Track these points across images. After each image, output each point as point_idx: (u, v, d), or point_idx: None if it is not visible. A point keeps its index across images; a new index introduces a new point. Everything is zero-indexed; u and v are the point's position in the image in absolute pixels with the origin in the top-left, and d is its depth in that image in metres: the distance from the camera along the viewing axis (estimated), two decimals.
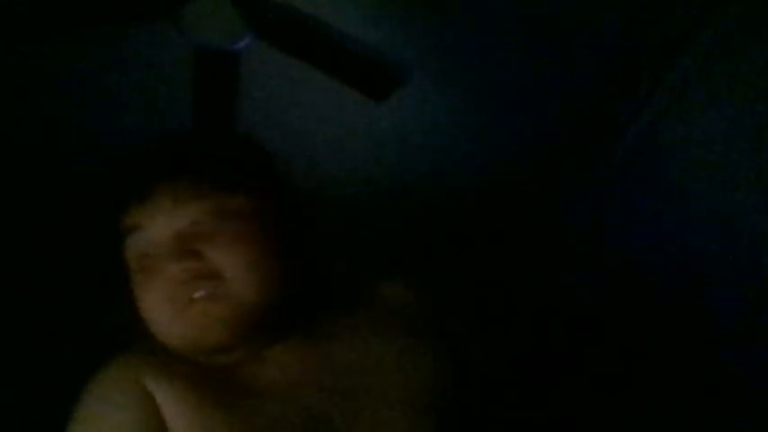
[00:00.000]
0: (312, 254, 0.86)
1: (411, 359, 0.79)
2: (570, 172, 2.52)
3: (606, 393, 2.30)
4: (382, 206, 2.63)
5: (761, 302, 1.75)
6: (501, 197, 2.67)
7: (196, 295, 0.74)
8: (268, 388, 0.76)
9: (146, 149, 0.86)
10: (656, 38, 2.04)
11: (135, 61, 1.95)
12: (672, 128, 2.10)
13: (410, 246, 2.71)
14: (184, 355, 0.77)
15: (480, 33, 1.98)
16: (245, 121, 2.07)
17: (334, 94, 2.06)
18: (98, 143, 2.13)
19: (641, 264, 2.25)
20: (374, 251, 2.55)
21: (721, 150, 1.94)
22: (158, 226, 0.77)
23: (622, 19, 1.97)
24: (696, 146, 2.02)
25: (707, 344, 1.94)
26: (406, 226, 2.72)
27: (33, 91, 2.05)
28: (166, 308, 0.75)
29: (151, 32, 1.76)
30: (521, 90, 2.19)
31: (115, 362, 0.80)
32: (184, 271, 0.74)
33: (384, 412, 0.74)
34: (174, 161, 0.82)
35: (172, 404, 0.74)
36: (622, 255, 2.34)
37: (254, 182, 0.83)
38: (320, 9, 1.70)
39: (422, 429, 0.75)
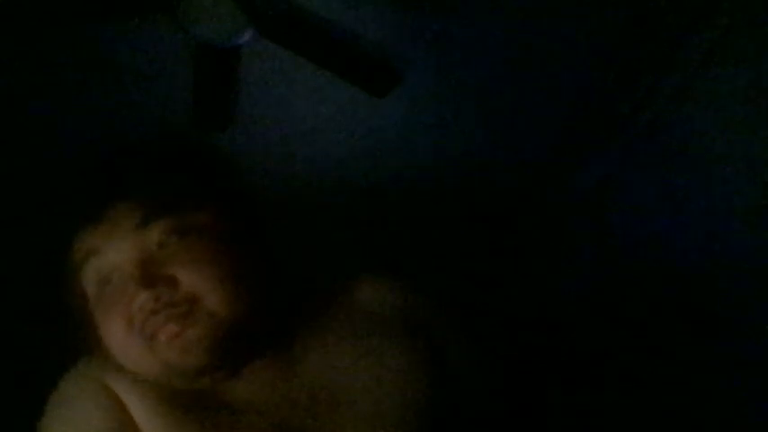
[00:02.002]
0: (279, 264, 0.82)
1: (390, 364, 0.77)
2: (571, 170, 2.53)
3: (607, 394, 2.30)
4: (382, 206, 2.63)
5: (763, 300, 1.75)
6: (501, 197, 2.67)
7: (170, 320, 0.70)
8: (241, 403, 0.74)
9: (100, 164, 0.80)
10: (657, 38, 2.04)
11: (134, 56, 1.95)
12: (672, 127, 2.10)
13: (408, 245, 2.71)
14: (158, 379, 0.74)
15: (481, 32, 1.98)
16: (245, 118, 2.07)
17: (335, 92, 2.07)
18: (96, 140, 2.12)
19: (642, 262, 2.24)
20: (372, 251, 2.55)
21: (721, 149, 1.94)
22: (120, 250, 0.72)
23: (623, 18, 1.97)
24: (696, 145, 2.02)
25: (710, 342, 1.94)
26: (405, 225, 2.72)
27: (32, 87, 2.05)
28: (135, 336, 0.71)
29: (151, 27, 1.76)
30: (521, 89, 2.19)
31: (81, 364, 0.77)
32: (155, 299, 0.70)
33: (361, 422, 0.73)
34: (132, 177, 0.77)
35: (140, 412, 0.72)
36: (624, 253, 2.34)
37: (216, 195, 0.80)
38: (319, 5, 1.70)
39: None
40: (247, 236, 0.79)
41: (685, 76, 2.02)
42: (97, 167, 0.80)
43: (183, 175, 0.79)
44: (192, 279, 0.71)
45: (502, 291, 2.77)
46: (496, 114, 2.29)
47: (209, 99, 1.77)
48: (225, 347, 0.71)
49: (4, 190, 2.21)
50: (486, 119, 2.31)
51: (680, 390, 2.02)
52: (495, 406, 0.86)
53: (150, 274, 0.71)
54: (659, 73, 2.08)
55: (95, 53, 1.94)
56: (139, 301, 0.70)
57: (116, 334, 0.72)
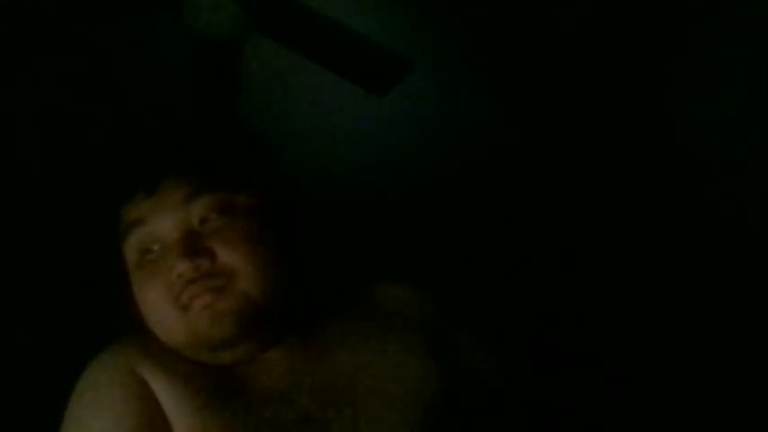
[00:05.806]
0: (312, 252, 0.86)
1: (408, 363, 0.79)
2: (570, 171, 2.53)
3: (606, 394, 2.29)
4: (382, 206, 2.63)
5: (762, 301, 1.76)
6: (501, 197, 2.67)
7: (205, 290, 0.74)
8: (263, 390, 0.76)
9: (151, 139, 0.85)
10: (656, 37, 2.04)
11: (134, 54, 1.95)
12: (672, 126, 2.10)
13: (410, 246, 2.71)
14: (184, 352, 0.77)
15: (481, 32, 1.99)
16: (245, 119, 2.07)
17: (335, 91, 2.07)
18: (96, 138, 2.13)
19: (641, 263, 2.25)
20: (374, 251, 2.54)
21: (721, 149, 1.94)
22: (165, 222, 0.76)
23: (623, 18, 1.98)
24: (696, 144, 2.03)
25: (706, 343, 1.94)
26: (407, 226, 2.71)
27: (31, 85, 2.05)
28: (171, 305, 0.75)
29: (151, 25, 1.77)
30: (521, 89, 2.19)
31: (110, 350, 0.79)
32: (195, 269, 0.74)
33: (380, 417, 0.74)
34: (183, 153, 0.80)
35: (168, 397, 0.74)
36: (622, 254, 2.34)
37: (261, 178, 0.83)
38: (320, 4, 1.71)
39: None
40: (287, 223, 0.82)
41: (686, 76, 2.03)
42: (149, 143, 0.84)
43: (232, 156, 0.82)
44: (230, 256, 0.75)
45: (502, 291, 2.77)
46: (497, 114, 2.29)
47: (210, 97, 1.78)
48: (251, 325, 0.75)
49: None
50: (487, 118, 2.31)
51: (675, 389, 2.02)
52: (511, 403, 0.88)
53: (191, 246, 0.75)
54: (660, 72, 2.09)
55: (96, 51, 1.94)
56: (179, 269, 0.74)
57: (153, 301, 0.76)
